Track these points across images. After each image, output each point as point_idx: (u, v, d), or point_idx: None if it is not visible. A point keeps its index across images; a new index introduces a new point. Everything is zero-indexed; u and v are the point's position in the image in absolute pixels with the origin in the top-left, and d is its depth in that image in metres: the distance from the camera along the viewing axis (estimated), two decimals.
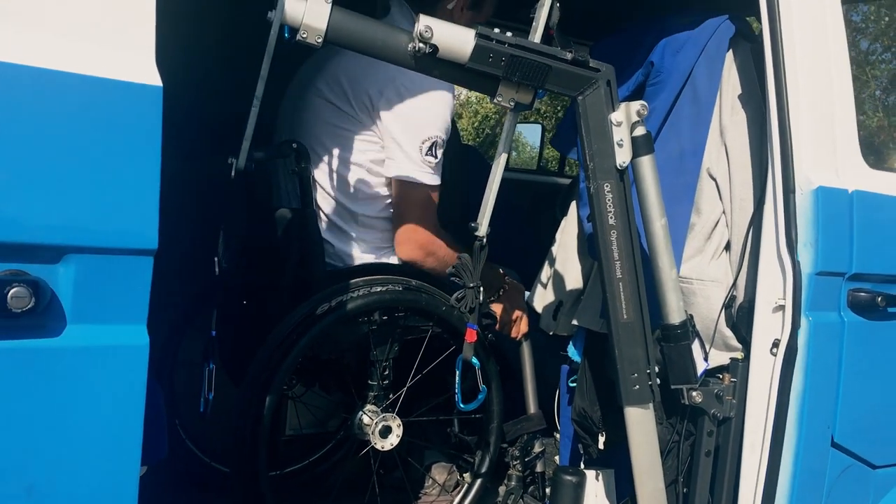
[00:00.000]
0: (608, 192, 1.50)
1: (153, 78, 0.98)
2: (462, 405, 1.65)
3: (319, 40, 1.32)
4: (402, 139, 1.90)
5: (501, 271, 2.22)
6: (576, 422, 2.05)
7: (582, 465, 2.10)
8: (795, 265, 1.57)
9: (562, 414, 2.20)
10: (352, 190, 1.96)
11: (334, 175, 1.96)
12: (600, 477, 2.06)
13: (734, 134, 1.79)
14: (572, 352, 2.09)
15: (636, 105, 1.51)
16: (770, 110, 1.62)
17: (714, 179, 1.81)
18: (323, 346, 1.93)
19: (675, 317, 1.60)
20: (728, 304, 1.76)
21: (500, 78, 1.42)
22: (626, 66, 1.91)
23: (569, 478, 2.01)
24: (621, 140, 1.50)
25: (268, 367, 1.76)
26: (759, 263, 1.65)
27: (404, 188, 1.94)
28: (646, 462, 1.63)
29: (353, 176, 1.95)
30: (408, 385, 1.90)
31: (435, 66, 1.39)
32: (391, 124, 1.90)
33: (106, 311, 0.96)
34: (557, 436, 2.31)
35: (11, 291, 0.87)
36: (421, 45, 1.35)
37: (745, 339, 1.72)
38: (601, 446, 1.99)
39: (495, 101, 1.46)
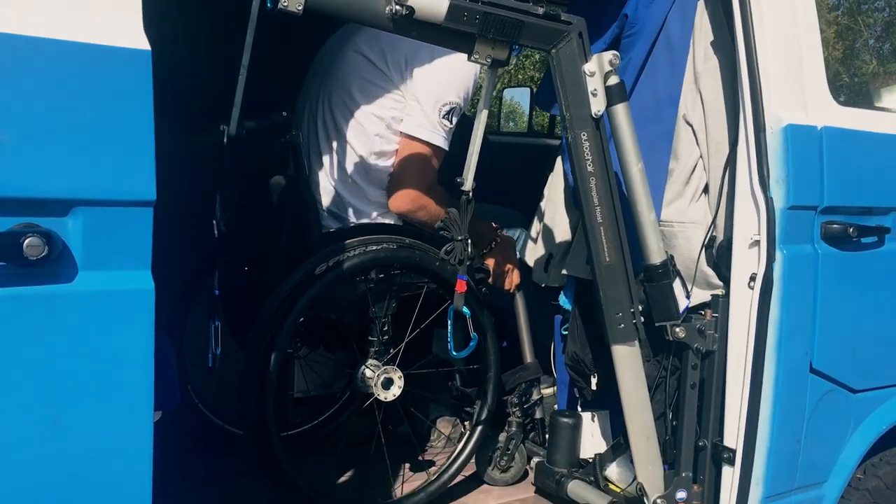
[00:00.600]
0: (585, 140, 1.57)
1: (142, 43, 1.07)
2: (454, 353, 1.74)
3: (300, 7, 1.37)
4: (423, 99, 1.99)
5: (494, 224, 2.29)
6: (569, 366, 2.13)
7: (578, 409, 2.19)
8: (768, 201, 1.63)
9: (557, 362, 2.28)
10: (368, 140, 2.04)
11: (356, 125, 2.04)
12: (595, 418, 2.15)
13: (708, 80, 1.84)
14: (564, 301, 2.16)
15: (608, 55, 1.57)
16: (739, 54, 1.67)
17: (690, 125, 1.87)
18: (323, 305, 2.02)
19: (655, 257, 1.68)
20: (708, 244, 1.82)
21: (475, 36, 1.48)
22: (601, 21, 1.96)
23: (565, 420, 2.10)
24: (595, 90, 1.57)
25: (270, 327, 1.84)
26: (735, 201, 1.71)
27: (412, 145, 2.02)
28: (635, 397, 1.71)
29: (373, 129, 2.03)
30: (406, 339, 1.98)
31: (412, 27, 1.45)
32: (417, 83, 2.00)
33: (113, 258, 1.06)
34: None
35: (27, 241, 0.97)
36: (398, 7, 1.40)
37: (725, 277, 1.78)
38: (594, 387, 2.07)
39: (473, 58, 1.52)
